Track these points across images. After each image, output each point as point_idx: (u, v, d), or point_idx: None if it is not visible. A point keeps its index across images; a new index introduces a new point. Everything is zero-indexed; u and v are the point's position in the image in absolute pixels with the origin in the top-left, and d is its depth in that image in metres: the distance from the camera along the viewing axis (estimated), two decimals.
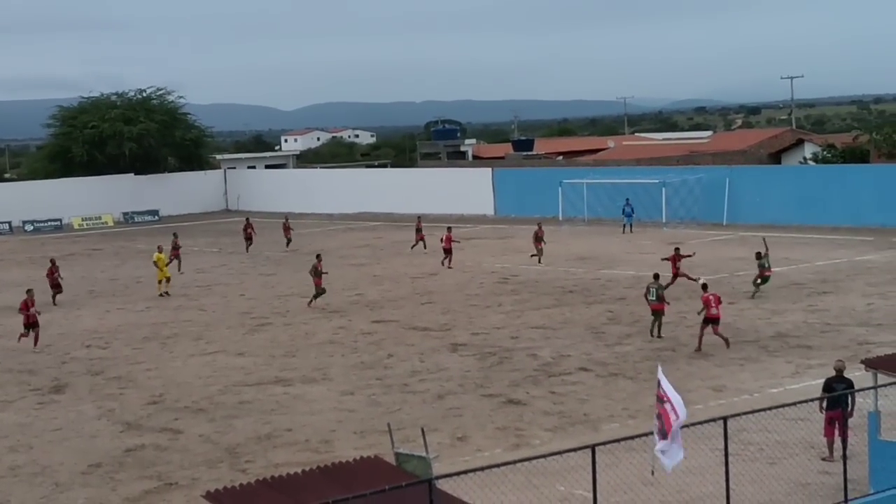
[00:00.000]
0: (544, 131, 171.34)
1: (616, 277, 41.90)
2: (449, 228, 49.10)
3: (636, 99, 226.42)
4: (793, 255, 45.86)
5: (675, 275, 36.81)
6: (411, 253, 52.19)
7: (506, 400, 24.58)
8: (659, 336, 30.18)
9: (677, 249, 38.41)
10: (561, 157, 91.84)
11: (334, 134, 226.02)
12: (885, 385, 16.87)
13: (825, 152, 75.54)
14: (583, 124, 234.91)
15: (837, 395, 18.30)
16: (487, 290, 40.40)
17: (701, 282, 31.41)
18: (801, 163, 76.58)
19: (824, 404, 18.57)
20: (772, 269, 37.23)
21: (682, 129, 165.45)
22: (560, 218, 62.83)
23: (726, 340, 28.59)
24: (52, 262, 42.64)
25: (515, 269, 44.98)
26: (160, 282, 42.28)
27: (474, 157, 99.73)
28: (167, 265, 43.79)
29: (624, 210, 58.62)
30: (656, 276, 31.30)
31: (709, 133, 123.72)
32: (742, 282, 39.37)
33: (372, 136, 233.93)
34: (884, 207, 54.25)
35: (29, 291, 33.41)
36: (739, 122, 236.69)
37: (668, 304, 31.04)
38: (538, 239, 47.00)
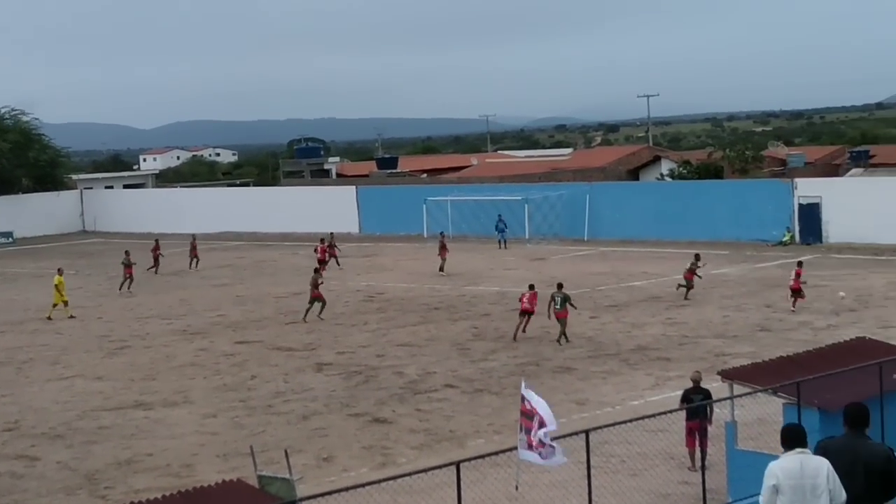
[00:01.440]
0: (408, 149, 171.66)
1: (481, 294, 42.18)
2: (322, 240, 51.05)
3: (498, 117, 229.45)
4: (651, 269, 46.80)
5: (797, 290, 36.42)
6: (275, 272, 51.88)
7: (372, 419, 24.50)
8: (567, 341, 31.45)
9: (800, 263, 38.04)
10: (425, 175, 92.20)
11: (195, 153, 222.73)
12: (740, 395, 17.28)
13: (681, 169, 77.42)
14: (446, 142, 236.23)
15: (696, 405, 18.71)
16: (353, 308, 40.26)
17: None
18: (658, 179, 78.39)
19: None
20: (691, 274, 39.05)
21: (544, 147, 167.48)
22: (425, 235, 63.03)
23: (516, 333, 32.41)
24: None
25: (381, 287, 44.91)
26: (56, 305, 40.93)
27: (338, 175, 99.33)
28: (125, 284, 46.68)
29: (497, 226, 59.37)
30: (560, 286, 32.61)
31: (569, 150, 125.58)
32: (603, 296, 40.04)
33: (234, 154, 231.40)
34: (738, 222, 55.74)
35: None
36: (599, 139, 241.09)
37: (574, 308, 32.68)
38: (443, 247, 48.62)
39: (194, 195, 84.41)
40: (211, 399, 27.07)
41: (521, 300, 33.17)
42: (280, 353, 32.41)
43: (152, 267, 52.83)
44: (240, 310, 41.02)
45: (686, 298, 38.53)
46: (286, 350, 32.88)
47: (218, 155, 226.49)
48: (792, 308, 35.60)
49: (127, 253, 48.68)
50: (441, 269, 48.28)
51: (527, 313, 32.56)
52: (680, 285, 39.18)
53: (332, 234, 55.88)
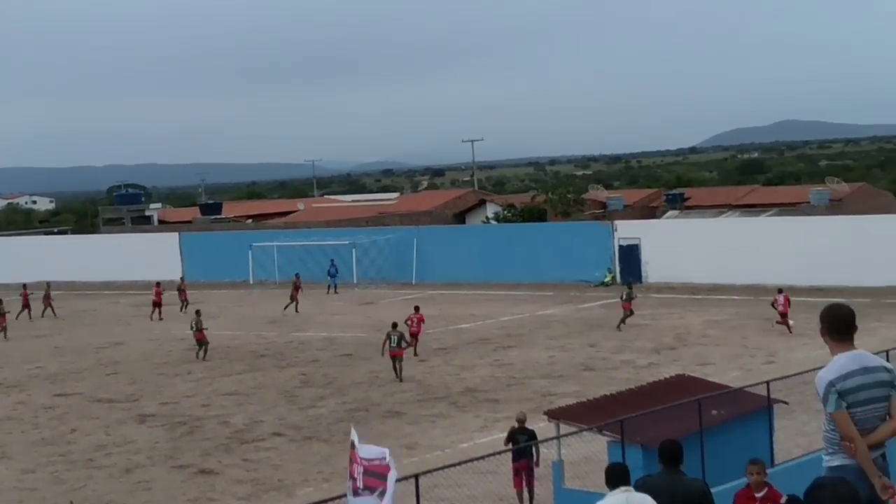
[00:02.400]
0: (233, 194, 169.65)
1: (309, 340, 41.83)
2: (158, 283, 51.54)
3: (325, 161, 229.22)
4: (479, 311, 47.25)
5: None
6: (95, 322, 50.46)
7: (197, 470, 23.95)
8: (400, 380, 32.30)
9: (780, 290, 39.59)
10: (250, 221, 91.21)
11: (10, 200, 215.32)
12: (566, 435, 17.52)
13: (506, 212, 78.50)
14: (272, 187, 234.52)
15: (522, 446, 18.88)
16: (176, 357, 39.39)
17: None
18: (483, 222, 79.27)
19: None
20: (629, 304, 40.96)
21: (371, 191, 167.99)
22: (251, 281, 62.28)
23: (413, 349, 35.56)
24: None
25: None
26: None
27: (160, 221, 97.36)
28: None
29: (329, 271, 59.17)
30: (394, 325, 33.69)
31: (396, 194, 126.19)
32: (432, 339, 40.17)
33: (51, 202, 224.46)
34: (561, 264, 56.76)
35: None
36: (425, 183, 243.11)
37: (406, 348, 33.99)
38: (296, 288, 50.24)
39: (9, 244, 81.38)
40: (29, 454, 26.06)
41: (408, 322, 36.21)
42: (101, 405, 31.46)
43: (22, 311, 52.66)
44: (58, 361, 39.70)
45: (620, 326, 40.20)
46: (107, 402, 31.93)
47: (34, 202, 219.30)
48: (790, 331, 37.35)
49: (0, 301, 47.58)
50: (290, 308, 49.41)
51: (414, 336, 35.78)
52: (622, 320, 40.72)
53: (182, 278, 56.97)
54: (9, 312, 47.81)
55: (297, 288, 50.53)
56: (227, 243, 68.20)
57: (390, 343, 32.91)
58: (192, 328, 38.94)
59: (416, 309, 37.21)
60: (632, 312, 40.75)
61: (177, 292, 52.89)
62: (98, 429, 28.42)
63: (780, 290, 39.57)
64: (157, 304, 49.96)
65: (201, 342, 38.44)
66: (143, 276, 64.58)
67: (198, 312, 40.62)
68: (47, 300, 54.10)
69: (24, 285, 55.32)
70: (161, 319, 48.94)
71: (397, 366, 32.72)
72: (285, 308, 49.63)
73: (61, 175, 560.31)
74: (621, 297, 41.41)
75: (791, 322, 37.71)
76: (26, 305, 53.17)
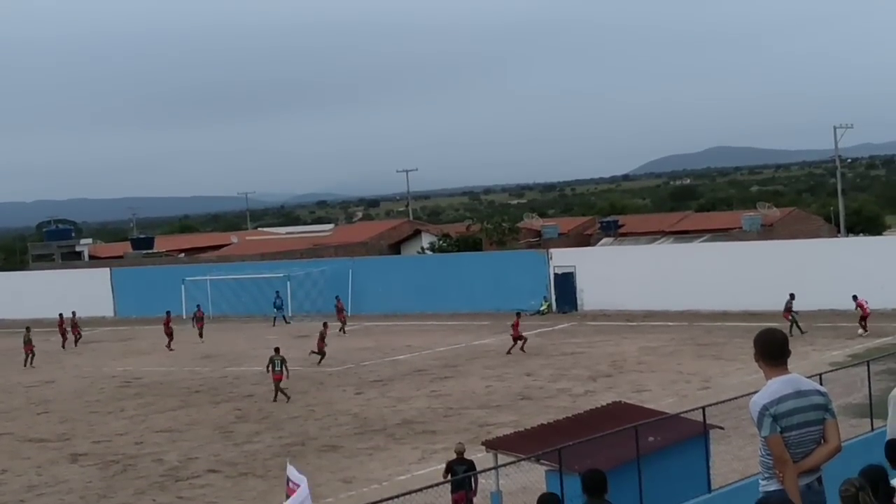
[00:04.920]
0: (165, 228, 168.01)
1: (243, 374, 41.41)
2: (168, 312, 52.26)
3: (258, 194, 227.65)
4: (415, 342, 47.09)
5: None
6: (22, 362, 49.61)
7: None
8: (287, 399, 34.34)
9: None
10: (183, 255, 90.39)
11: None
12: (504, 465, 17.44)
13: (441, 241, 78.61)
14: (205, 220, 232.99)
15: (461, 477, 18.76)
16: (109, 395, 38.80)
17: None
18: (419, 252, 79.27)
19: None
20: (789, 313, 42.39)
21: (305, 223, 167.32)
22: (184, 316, 61.56)
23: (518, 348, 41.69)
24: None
25: (139, 372, 43.49)
26: None
27: (91, 257, 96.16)
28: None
29: (275, 303, 58.86)
30: (277, 350, 35.82)
31: (331, 226, 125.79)
32: (368, 371, 39.98)
33: None
34: (497, 293, 56.76)
35: None
36: (360, 214, 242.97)
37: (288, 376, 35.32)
38: (341, 311, 53.92)
39: None
40: None
41: (514, 326, 41.99)
42: (32, 445, 30.86)
43: (77, 339, 53.65)
44: None
45: (797, 330, 41.18)
46: (38, 441, 31.33)
47: None
48: (865, 332, 40.61)
49: (28, 329, 48.41)
50: (342, 330, 51.36)
51: (520, 338, 41.77)
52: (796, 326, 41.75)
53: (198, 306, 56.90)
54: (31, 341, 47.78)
55: (340, 310, 53.98)
56: (160, 278, 67.49)
57: (273, 367, 34.82)
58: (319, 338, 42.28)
59: (518, 314, 43.40)
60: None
61: (192, 321, 54.16)
62: (29, 469, 27.86)
63: (855, 297, 41.53)
64: (169, 335, 49.98)
65: (321, 350, 41.96)
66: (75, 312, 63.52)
67: (325, 325, 44.07)
68: (75, 329, 54.39)
69: (61, 314, 55.19)
70: (171, 350, 49.20)
71: (278, 387, 34.75)
72: (342, 331, 51.32)
73: None
74: (787, 309, 42.52)
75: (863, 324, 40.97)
76: (63, 335, 53.74)
